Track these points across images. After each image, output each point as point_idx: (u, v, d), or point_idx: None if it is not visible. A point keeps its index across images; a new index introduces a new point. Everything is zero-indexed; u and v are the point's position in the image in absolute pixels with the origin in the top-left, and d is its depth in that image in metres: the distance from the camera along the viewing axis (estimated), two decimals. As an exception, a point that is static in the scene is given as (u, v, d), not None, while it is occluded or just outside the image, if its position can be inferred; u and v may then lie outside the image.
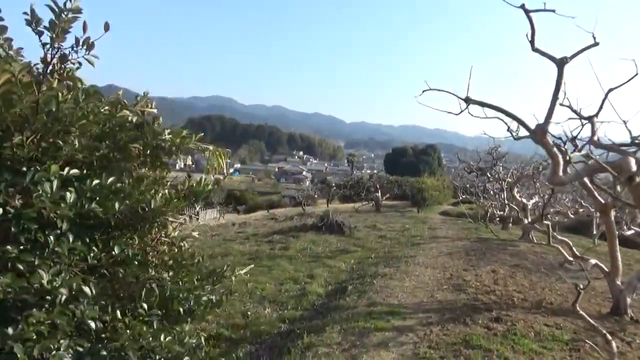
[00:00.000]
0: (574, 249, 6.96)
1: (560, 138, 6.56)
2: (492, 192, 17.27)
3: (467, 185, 23.47)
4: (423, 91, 6.45)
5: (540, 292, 7.78)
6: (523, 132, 6.48)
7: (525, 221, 11.83)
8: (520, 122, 5.94)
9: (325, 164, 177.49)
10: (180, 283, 2.50)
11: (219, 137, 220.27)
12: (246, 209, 44.48)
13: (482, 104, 6.18)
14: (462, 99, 6.17)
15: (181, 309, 2.33)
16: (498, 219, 18.05)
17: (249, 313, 8.01)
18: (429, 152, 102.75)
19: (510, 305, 6.78)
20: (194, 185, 2.53)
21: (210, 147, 2.72)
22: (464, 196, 25.04)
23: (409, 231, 17.05)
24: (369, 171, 71.42)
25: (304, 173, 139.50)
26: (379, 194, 29.07)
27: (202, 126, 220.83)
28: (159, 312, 2.15)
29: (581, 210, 13.77)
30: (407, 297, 7.46)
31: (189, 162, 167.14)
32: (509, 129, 6.62)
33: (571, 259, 6.66)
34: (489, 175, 14.70)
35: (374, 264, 11.04)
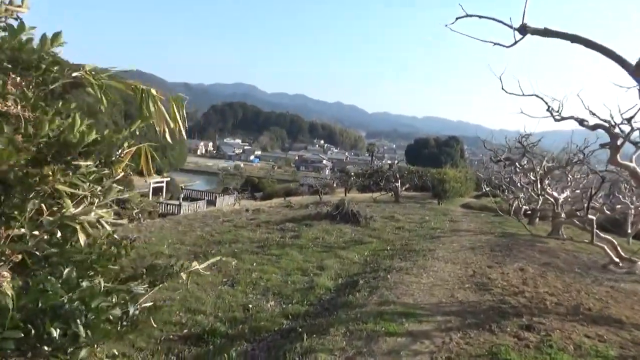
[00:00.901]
0: (618, 248, 6.05)
1: (609, 120, 5.64)
2: (519, 185, 16.17)
3: (492, 177, 22.33)
4: (457, 18, 5.18)
5: (575, 295, 6.89)
6: (565, 112, 5.57)
7: (563, 215, 10.81)
8: (614, 57, 4.64)
9: (346, 154, 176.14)
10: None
11: (241, 124, 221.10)
12: (263, 195, 44.04)
13: (548, 33, 4.82)
14: (515, 29, 4.93)
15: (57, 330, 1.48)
16: (525, 212, 16.97)
17: (250, 306, 7.37)
18: (451, 143, 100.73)
19: (542, 310, 5.92)
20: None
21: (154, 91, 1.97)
22: (487, 189, 23.89)
23: (429, 223, 16.14)
24: (389, 161, 70.26)
25: (324, 162, 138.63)
26: (399, 184, 28.06)
27: (224, 113, 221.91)
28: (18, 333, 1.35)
29: (618, 206, 12.66)
30: (424, 295, 6.67)
31: (211, 147, 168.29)
32: (549, 109, 5.71)
33: (617, 259, 5.76)
34: (518, 166, 13.64)
35: (389, 256, 10.26)
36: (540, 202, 11.41)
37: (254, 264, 9.99)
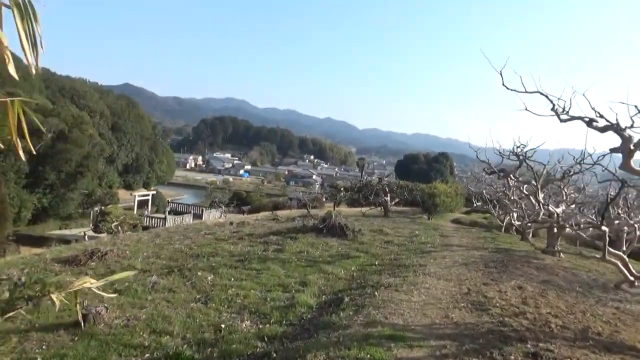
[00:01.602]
0: (630, 266, 5.44)
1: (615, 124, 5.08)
2: (512, 198, 15.63)
3: (484, 191, 21.80)
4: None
5: (581, 317, 6.25)
6: (572, 112, 5.00)
7: (567, 229, 10.19)
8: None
9: (336, 169, 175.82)
10: None
11: (231, 139, 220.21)
12: (251, 209, 43.31)
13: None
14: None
15: None
16: (519, 228, 16.36)
17: (222, 326, 6.62)
18: (441, 160, 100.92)
19: (548, 335, 5.26)
20: None
21: None
22: (478, 203, 23.39)
23: (419, 237, 15.50)
24: (378, 176, 69.80)
25: (314, 177, 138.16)
26: (388, 199, 27.52)
27: (214, 127, 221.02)
28: None
29: (617, 222, 12.13)
30: (415, 315, 5.98)
31: (200, 161, 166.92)
32: (554, 107, 5.14)
33: (632, 278, 5.14)
34: (512, 177, 13.10)
35: (377, 272, 9.57)
36: (541, 213, 10.81)
37: (232, 279, 9.23)
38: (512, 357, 4.44)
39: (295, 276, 9.41)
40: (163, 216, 35.96)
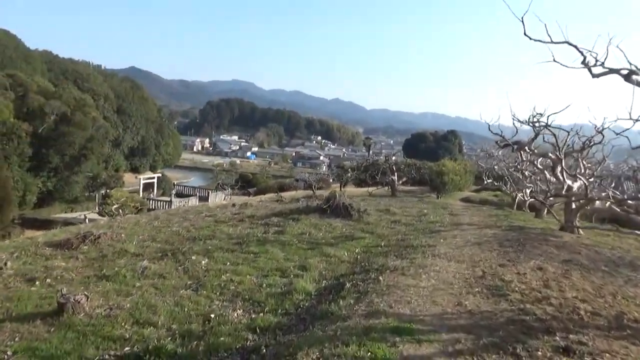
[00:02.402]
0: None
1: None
2: (526, 173, 14.75)
3: (495, 167, 20.88)
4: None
5: (612, 301, 5.54)
6: (608, 63, 4.21)
7: (597, 202, 9.38)
8: None
9: (343, 150, 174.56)
10: None
11: (238, 121, 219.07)
12: (257, 191, 42.85)
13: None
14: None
15: None
16: (534, 204, 15.50)
17: (212, 316, 6.03)
18: (449, 138, 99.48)
19: (577, 324, 4.56)
20: None
21: None
22: (489, 180, 22.51)
23: (427, 216, 14.77)
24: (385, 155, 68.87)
25: (321, 158, 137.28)
26: (395, 178, 26.75)
27: (220, 109, 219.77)
28: None
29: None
30: (424, 303, 5.30)
31: (207, 144, 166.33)
32: (584, 60, 4.34)
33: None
34: (528, 150, 12.22)
35: (383, 253, 8.90)
36: (565, 186, 9.98)
37: (227, 263, 8.64)
38: (540, 353, 3.76)
39: (294, 260, 8.80)
40: (168, 199, 35.69)
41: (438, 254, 8.23)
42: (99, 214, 29.03)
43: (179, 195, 39.42)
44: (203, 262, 8.65)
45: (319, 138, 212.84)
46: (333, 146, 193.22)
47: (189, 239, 11.28)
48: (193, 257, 9.01)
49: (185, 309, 6.29)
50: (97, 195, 44.10)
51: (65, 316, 5.93)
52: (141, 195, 40.50)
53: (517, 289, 5.76)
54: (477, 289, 5.83)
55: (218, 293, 6.95)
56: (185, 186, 47.79)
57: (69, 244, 10.27)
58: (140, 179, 48.16)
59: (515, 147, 12.03)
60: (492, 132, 12.23)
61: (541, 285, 6.02)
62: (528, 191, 16.93)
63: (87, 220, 22.80)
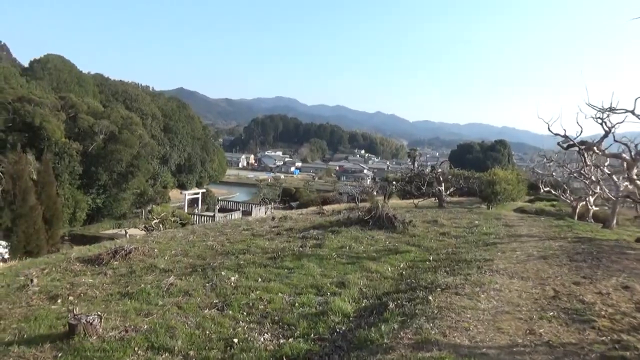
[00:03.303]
0: None
1: None
2: (593, 178, 13.19)
3: (553, 173, 19.21)
4: None
5: None
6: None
7: None
8: None
9: (387, 163, 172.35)
10: None
11: (282, 137, 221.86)
12: (299, 204, 42.46)
13: None
14: None
15: None
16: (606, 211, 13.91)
17: (234, 340, 5.26)
18: (497, 148, 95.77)
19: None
20: None
21: None
22: (546, 188, 20.77)
23: (479, 228, 13.50)
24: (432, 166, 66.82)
25: (365, 171, 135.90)
26: (442, 188, 25.37)
27: (264, 126, 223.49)
28: None
29: None
30: (486, 331, 4.29)
31: (252, 160, 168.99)
32: None
33: None
34: (598, 151, 10.76)
35: (431, 269, 7.87)
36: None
37: (259, 279, 7.89)
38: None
39: (332, 276, 7.93)
40: (212, 214, 35.79)
41: (497, 270, 7.11)
42: (146, 229, 29.43)
43: (223, 210, 39.57)
44: (232, 278, 7.95)
45: (362, 152, 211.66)
46: (377, 159, 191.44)
47: (222, 253, 10.66)
48: (223, 273, 8.34)
49: (207, 332, 5.57)
50: (143, 211, 45.05)
51: (75, 339, 5.35)
52: (186, 210, 40.97)
53: (603, 313, 4.63)
54: (551, 313, 4.73)
55: (245, 313, 6.19)
56: (229, 201, 48.15)
57: (100, 260, 9.94)
58: (185, 194, 48.93)
59: (582, 147, 10.66)
60: (552, 132, 10.90)
61: (633, 308, 4.85)
62: (592, 199, 15.29)
63: (127, 235, 22.92)
